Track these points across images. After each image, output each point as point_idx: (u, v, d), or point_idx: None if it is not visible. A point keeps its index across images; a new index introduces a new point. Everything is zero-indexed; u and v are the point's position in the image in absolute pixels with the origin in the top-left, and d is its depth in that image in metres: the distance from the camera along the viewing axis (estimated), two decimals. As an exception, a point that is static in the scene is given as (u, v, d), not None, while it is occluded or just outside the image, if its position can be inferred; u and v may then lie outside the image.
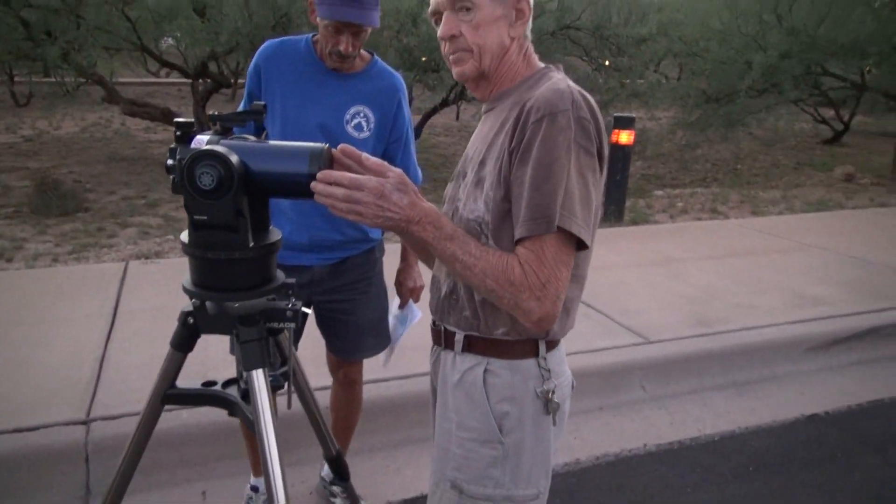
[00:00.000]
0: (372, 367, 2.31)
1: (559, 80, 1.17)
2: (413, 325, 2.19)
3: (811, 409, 3.19)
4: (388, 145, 1.99)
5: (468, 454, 1.23)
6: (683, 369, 3.34)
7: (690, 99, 10.44)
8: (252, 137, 1.23)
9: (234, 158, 1.11)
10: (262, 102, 1.23)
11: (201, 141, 1.16)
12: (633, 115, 6.37)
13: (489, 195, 1.16)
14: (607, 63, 9.85)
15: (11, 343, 3.08)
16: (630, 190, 6.79)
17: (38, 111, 12.98)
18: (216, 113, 1.21)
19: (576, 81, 1.21)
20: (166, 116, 8.97)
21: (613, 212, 6.23)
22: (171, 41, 10.80)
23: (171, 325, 1.33)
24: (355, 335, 2.11)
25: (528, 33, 1.24)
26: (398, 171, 1.09)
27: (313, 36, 1.90)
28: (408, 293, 2.17)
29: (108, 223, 5.91)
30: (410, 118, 2.03)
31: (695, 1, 11.70)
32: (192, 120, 1.17)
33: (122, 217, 6.19)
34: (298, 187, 1.14)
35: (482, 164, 1.20)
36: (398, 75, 1.98)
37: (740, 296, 4.09)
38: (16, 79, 12.96)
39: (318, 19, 1.79)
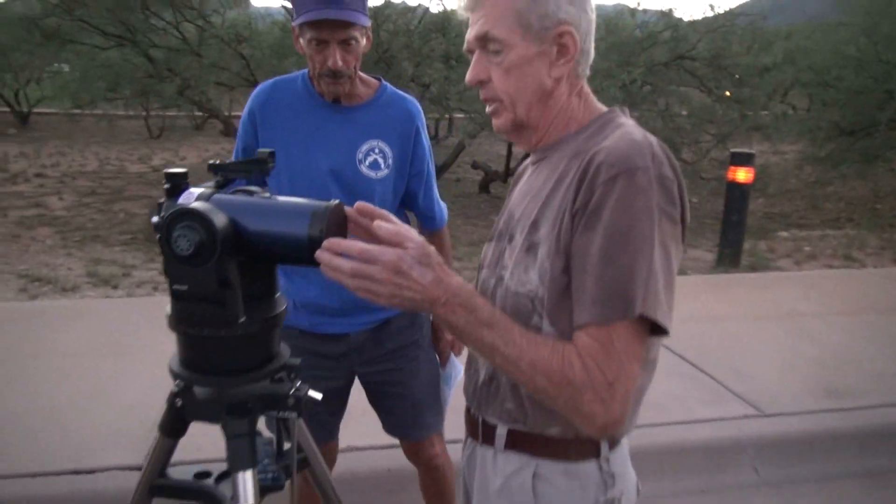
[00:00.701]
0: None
1: (631, 127, 0.97)
2: (458, 382, 1.90)
3: (974, 512, 2.62)
4: (409, 180, 1.74)
5: None
6: (807, 450, 2.85)
7: (821, 132, 9.70)
8: (258, 190, 1.04)
9: (219, 219, 0.92)
10: (269, 150, 1.04)
11: (192, 195, 0.98)
12: (754, 150, 5.86)
13: (545, 266, 0.95)
14: (727, 94, 9.28)
15: (91, 375, 3.09)
16: (749, 230, 6.18)
17: (168, 142, 13.95)
18: (217, 161, 1.03)
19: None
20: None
21: (729, 255, 5.67)
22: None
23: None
24: (411, 411, 1.84)
25: (585, 71, 1.03)
26: (419, 239, 0.88)
27: (309, 71, 1.68)
28: (447, 346, 1.90)
29: (211, 252, 6.08)
30: (430, 148, 1.77)
31: (826, 27, 10.93)
32: (185, 171, 1.00)
33: (225, 246, 6.36)
34: (298, 253, 0.95)
35: (535, 226, 0.99)
36: (412, 99, 1.74)
37: (881, 362, 3.50)
38: (152, 113, 14.03)
39: (300, 41, 1.59)
